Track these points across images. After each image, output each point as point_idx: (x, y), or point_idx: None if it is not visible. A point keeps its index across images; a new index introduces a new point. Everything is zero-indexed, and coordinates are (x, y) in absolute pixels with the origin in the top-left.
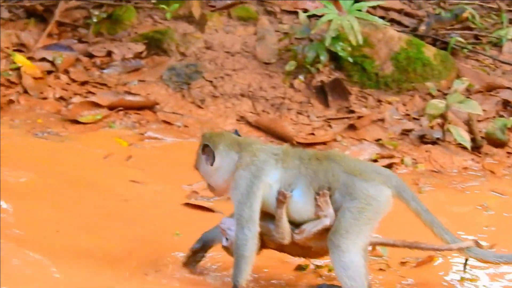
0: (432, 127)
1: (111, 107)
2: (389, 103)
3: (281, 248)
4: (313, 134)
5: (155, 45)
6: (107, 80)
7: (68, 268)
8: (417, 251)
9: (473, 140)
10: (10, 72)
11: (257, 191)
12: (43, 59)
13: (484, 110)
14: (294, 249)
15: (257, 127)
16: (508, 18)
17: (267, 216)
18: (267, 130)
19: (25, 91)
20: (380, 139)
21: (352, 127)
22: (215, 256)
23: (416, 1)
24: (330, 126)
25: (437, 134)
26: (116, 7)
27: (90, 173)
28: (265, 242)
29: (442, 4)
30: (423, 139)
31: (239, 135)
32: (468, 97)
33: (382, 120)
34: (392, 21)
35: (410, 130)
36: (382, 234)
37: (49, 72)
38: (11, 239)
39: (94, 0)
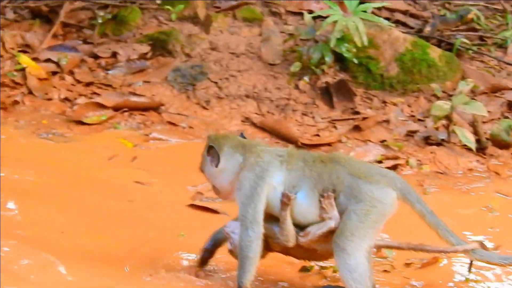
0: (437, 128)
1: (116, 108)
2: (394, 104)
3: (286, 251)
4: (318, 135)
5: (160, 46)
6: (112, 81)
7: (72, 268)
8: (422, 252)
9: (478, 141)
10: (15, 73)
11: (261, 192)
12: (48, 60)
13: (489, 112)
14: (299, 252)
15: (262, 128)
16: None
17: (271, 218)
18: (272, 131)
19: (30, 92)
20: (385, 140)
21: (357, 128)
22: (218, 257)
23: (421, 2)
24: (335, 127)
25: (442, 135)
26: (121, 8)
27: (95, 174)
28: (270, 245)
29: (447, 5)
30: (428, 140)
31: (244, 138)
32: (473, 99)
33: (387, 121)
34: (397, 22)
35: (415, 131)
36: (387, 236)
37: (54, 73)
38: (16, 238)
39: (99, 1)
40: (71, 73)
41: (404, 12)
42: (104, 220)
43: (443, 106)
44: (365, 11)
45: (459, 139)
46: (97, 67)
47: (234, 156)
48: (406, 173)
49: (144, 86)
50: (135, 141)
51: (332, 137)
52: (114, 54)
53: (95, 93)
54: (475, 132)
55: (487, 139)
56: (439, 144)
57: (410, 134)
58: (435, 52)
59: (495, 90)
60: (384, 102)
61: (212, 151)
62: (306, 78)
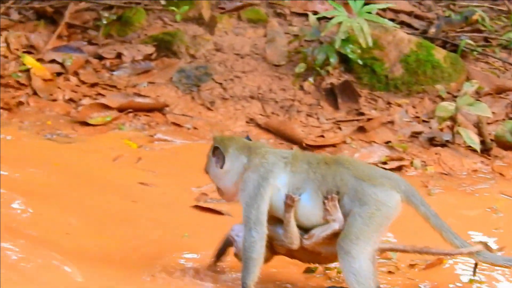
0: (441, 130)
1: (121, 109)
2: (399, 105)
3: (291, 254)
4: (322, 136)
5: (164, 47)
6: (116, 82)
7: (76, 268)
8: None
9: (482, 142)
10: (20, 74)
11: (264, 193)
12: (53, 61)
13: (493, 113)
14: (304, 254)
15: (267, 129)
16: None
17: (276, 220)
18: (276, 132)
19: (35, 93)
20: (389, 142)
21: (361, 130)
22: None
23: (426, 3)
24: (339, 128)
25: (447, 136)
26: (126, 9)
27: (100, 174)
28: (274, 247)
29: (452, 6)
30: (432, 142)
31: (250, 140)
32: (477, 100)
33: (392, 122)
34: (402, 23)
35: (419, 133)
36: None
37: (59, 74)
38: (23, 238)
39: (104, 2)
40: (75, 74)
41: (409, 13)
42: (108, 220)
43: (447, 107)
44: (369, 12)
45: (464, 140)
46: (101, 68)
47: (239, 158)
48: (411, 174)
49: (149, 87)
50: (140, 142)
51: (337, 138)
52: (119, 55)
53: (99, 94)
54: (480, 133)
55: (491, 140)
56: (443, 145)
57: (415, 135)
58: (439, 53)
59: (500, 91)
60: (389, 103)
61: (217, 152)
62: (310, 79)
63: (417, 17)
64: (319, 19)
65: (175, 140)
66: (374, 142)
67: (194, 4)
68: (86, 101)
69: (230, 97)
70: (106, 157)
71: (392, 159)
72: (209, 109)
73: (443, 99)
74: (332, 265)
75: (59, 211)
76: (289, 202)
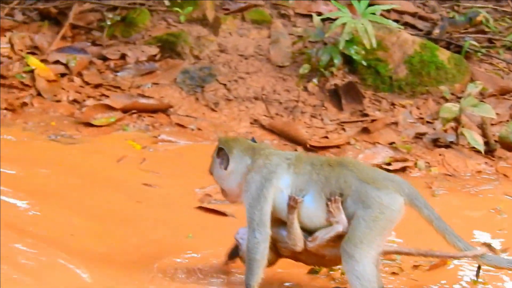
0: (445, 131)
1: (125, 110)
2: (403, 106)
3: (295, 256)
4: (326, 137)
5: (169, 48)
6: (120, 83)
7: (81, 269)
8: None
9: (486, 143)
10: (24, 75)
11: (267, 194)
12: (57, 62)
13: (497, 114)
14: (308, 257)
15: (271, 130)
16: None
17: (279, 223)
18: (280, 133)
19: (39, 94)
20: (393, 143)
21: (365, 131)
22: (223, 260)
23: (430, 4)
24: (343, 129)
25: (451, 137)
26: (130, 10)
27: (104, 175)
28: (279, 250)
29: (456, 7)
30: (436, 143)
31: (255, 142)
32: (481, 101)
33: (396, 123)
34: (406, 24)
35: (423, 134)
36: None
37: (63, 75)
38: (27, 238)
39: (108, 2)
40: (79, 75)
41: (413, 14)
42: (112, 221)
43: (451, 108)
44: (374, 13)
45: (468, 141)
46: (105, 69)
47: (243, 159)
48: (415, 175)
49: (153, 88)
50: (144, 143)
51: (341, 139)
52: (123, 56)
53: (103, 95)
54: (484, 135)
55: (495, 141)
56: (447, 146)
57: (419, 136)
58: (444, 54)
59: (504, 92)
60: (393, 104)
61: (221, 153)
62: (315, 80)
63: (421, 18)
64: (323, 20)
65: (179, 141)
66: (378, 143)
67: (198, 5)
68: (90, 102)
69: (234, 98)
70: (110, 158)
71: (396, 160)
72: (213, 110)
73: (447, 100)
74: (336, 266)
75: (64, 212)
76: (292, 204)
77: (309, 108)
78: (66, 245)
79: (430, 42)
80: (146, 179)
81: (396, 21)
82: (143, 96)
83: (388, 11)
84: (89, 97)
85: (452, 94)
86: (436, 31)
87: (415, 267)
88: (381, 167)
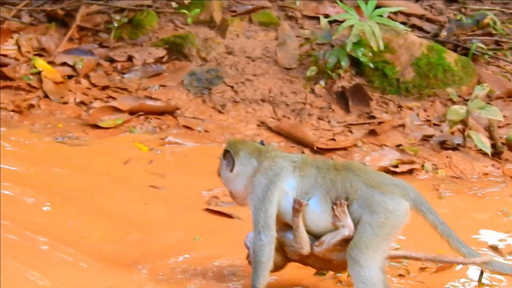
0: (452, 133)
1: (132, 112)
2: (410, 108)
3: (303, 260)
4: (333, 139)
5: (176, 50)
6: (127, 84)
7: (89, 270)
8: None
9: (493, 146)
10: (31, 77)
11: (272, 196)
12: (64, 64)
13: (504, 116)
14: (316, 261)
15: (278, 132)
16: None
17: (286, 226)
18: (287, 136)
19: (46, 96)
20: (400, 145)
21: (372, 133)
22: (230, 263)
23: (437, 6)
24: (350, 131)
25: (458, 140)
26: (137, 11)
27: (111, 177)
28: (287, 254)
29: (463, 10)
30: (443, 145)
31: (263, 145)
32: (488, 103)
33: (403, 125)
34: (413, 26)
35: (430, 136)
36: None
37: (70, 77)
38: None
39: (115, 4)
40: (86, 76)
41: (420, 17)
42: (119, 223)
43: (458, 110)
44: (381, 16)
45: (475, 144)
46: (113, 70)
47: (249, 161)
48: (422, 178)
49: (160, 90)
50: (151, 145)
51: (348, 141)
52: (130, 58)
53: (110, 97)
54: (491, 137)
55: (502, 143)
56: (454, 148)
57: (426, 138)
58: (451, 57)
59: (511, 95)
60: (400, 106)
61: (227, 156)
62: (322, 83)
63: (429, 20)
64: (330, 22)
65: (186, 143)
66: (385, 145)
67: (206, 7)
68: (97, 104)
69: (241, 100)
70: (117, 160)
71: (403, 163)
72: (220, 112)
73: (454, 103)
74: (344, 271)
75: (70, 214)
76: (297, 207)
77: (316, 110)
78: (73, 247)
79: (437, 45)
80: (153, 181)
81: (404, 23)
82: (150, 98)
83: (395, 13)
84: (96, 99)
85: (459, 96)
86: (444, 33)
87: (422, 269)
88: (388, 170)
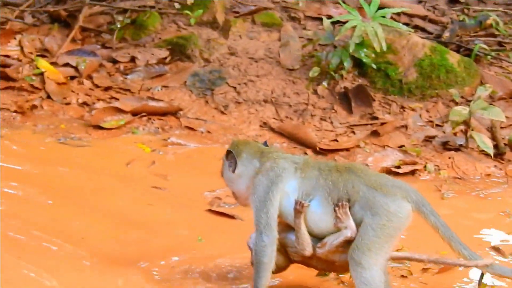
0: (455, 134)
1: (134, 113)
2: (413, 109)
3: (306, 262)
4: (336, 140)
5: (178, 50)
6: (130, 85)
7: (92, 271)
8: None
9: (496, 147)
10: (34, 77)
11: (273, 197)
12: (67, 65)
13: (507, 117)
14: (318, 263)
15: (280, 133)
16: None
17: (289, 228)
18: (290, 136)
19: (48, 96)
20: (403, 146)
21: (375, 134)
22: (232, 264)
23: (440, 7)
24: (353, 132)
25: (460, 140)
26: (140, 12)
27: (113, 178)
28: (289, 255)
29: (466, 11)
30: (446, 146)
31: (267, 146)
32: (491, 104)
33: (405, 126)
34: (416, 27)
35: (433, 137)
36: (405, 243)
37: (72, 78)
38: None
39: (118, 5)
40: (89, 77)
41: (423, 18)
42: (121, 224)
43: (461, 111)
44: (384, 17)
45: (477, 145)
46: (115, 71)
47: (251, 162)
48: (424, 179)
49: (163, 90)
50: (153, 146)
51: (350, 142)
52: (133, 59)
53: (113, 97)
54: (493, 138)
55: (505, 144)
56: (457, 149)
57: (428, 139)
58: (453, 58)
59: None
60: (403, 107)
61: (230, 156)
62: (324, 83)
63: (431, 21)
64: (333, 23)
65: (188, 144)
66: (388, 146)
67: (209, 8)
68: (99, 104)
69: (243, 101)
70: (119, 161)
71: (406, 163)
72: (222, 113)
73: (456, 104)
74: (347, 272)
75: (73, 214)
76: (298, 208)
77: (319, 111)
78: (76, 248)
79: (440, 45)
80: (155, 182)
81: (406, 24)
82: (153, 99)
83: (398, 14)
84: (98, 99)
85: (462, 97)
86: (446, 34)
87: (424, 270)
88: (390, 170)
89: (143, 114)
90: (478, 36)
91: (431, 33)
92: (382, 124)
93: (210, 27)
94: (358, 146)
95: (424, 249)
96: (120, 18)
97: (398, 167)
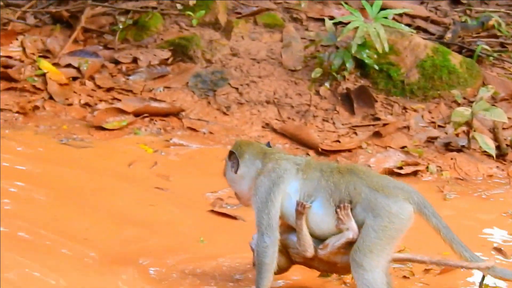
0: (457, 135)
1: (137, 114)
2: (415, 110)
3: (308, 263)
4: (338, 141)
5: (181, 51)
6: (132, 86)
7: (93, 271)
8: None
9: (498, 147)
10: (36, 78)
11: (275, 198)
12: (69, 65)
13: (509, 118)
14: (320, 264)
15: (283, 134)
16: None
17: (290, 229)
18: (292, 137)
19: (51, 97)
20: (405, 147)
21: (377, 135)
22: (234, 264)
23: (442, 8)
24: (355, 133)
25: (462, 141)
26: (142, 13)
27: (116, 179)
28: (291, 256)
29: (468, 12)
30: (448, 147)
31: (270, 147)
32: (493, 105)
33: (408, 127)
34: (418, 28)
35: (435, 138)
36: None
37: (75, 78)
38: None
39: (120, 6)
40: (91, 78)
41: (425, 19)
42: (124, 224)
43: (463, 112)
44: (386, 18)
45: (479, 146)
46: (117, 72)
47: (254, 163)
48: (426, 179)
49: (165, 91)
50: (156, 147)
51: (353, 143)
52: (135, 60)
53: (115, 98)
54: (495, 139)
55: (507, 145)
56: (459, 150)
57: (431, 140)
58: (456, 59)
59: None
60: (405, 108)
61: (232, 157)
62: (326, 84)
63: (434, 22)
64: (335, 24)
65: (190, 145)
66: (390, 147)
67: (211, 9)
68: (102, 105)
69: (246, 102)
70: (122, 162)
71: (408, 164)
72: (225, 114)
73: (459, 104)
74: (349, 274)
75: (75, 215)
76: (300, 209)
77: (321, 112)
78: (78, 248)
79: (442, 46)
80: (157, 183)
81: (408, 25)
82: (155, 99)
83: (400, 15)
84: (101, 100)
85: (464, 98)
86: (448, 35)
87: (426, 271)
88: (392, 171)
89: (145, 115)
90: (480, 37)
91: (433, 34)
92: (384, 125)
93: (212, 28)
94: (360, 147)
95: (426, 250)
96: (122, 19)
97: (400, 168)
